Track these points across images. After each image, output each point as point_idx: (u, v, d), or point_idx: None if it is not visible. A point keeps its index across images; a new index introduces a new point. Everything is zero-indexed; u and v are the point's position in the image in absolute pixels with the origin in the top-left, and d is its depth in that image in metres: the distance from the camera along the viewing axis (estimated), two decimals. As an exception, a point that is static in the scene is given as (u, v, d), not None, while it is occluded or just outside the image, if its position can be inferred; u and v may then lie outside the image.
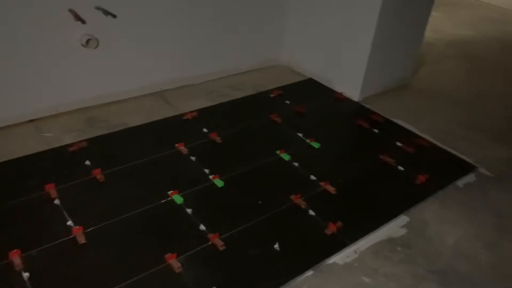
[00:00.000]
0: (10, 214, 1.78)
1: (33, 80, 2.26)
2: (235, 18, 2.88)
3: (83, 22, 2.15)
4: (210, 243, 1.73)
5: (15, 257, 1.58)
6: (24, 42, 2.15)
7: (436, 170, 2.27)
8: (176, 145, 2.27)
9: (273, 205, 1.95)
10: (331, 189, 2.06)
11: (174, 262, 1.63)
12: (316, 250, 1.76)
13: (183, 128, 2.44)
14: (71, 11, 2.14)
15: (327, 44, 2.96)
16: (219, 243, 1.72)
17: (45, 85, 2.32)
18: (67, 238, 1.69)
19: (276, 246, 1.75)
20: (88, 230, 1.73)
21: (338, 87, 2.98)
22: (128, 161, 2.13)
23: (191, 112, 2.55)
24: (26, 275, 1.54)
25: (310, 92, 2.99)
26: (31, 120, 2.36)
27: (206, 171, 2.11)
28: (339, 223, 1.86)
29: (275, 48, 3.22)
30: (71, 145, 2.19)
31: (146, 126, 2.42)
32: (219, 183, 2.04)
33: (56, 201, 1.85)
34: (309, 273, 1.67)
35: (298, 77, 3.15)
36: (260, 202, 1.97)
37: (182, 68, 2.81)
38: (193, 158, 2.20)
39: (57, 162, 2.09)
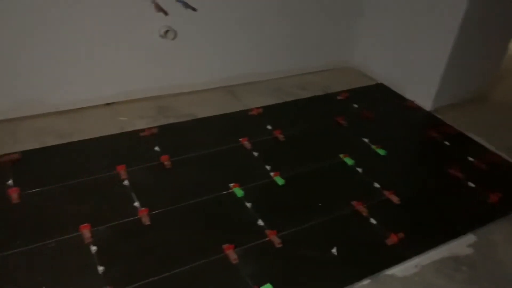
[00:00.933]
0: (83, 189, 1.89)
1: (112, 66, 2.39)
2: (309, 18, 2.86)
3: (166, 13, 2.23)
4: (267, 239, 1.74)
5: (85, 231, 1.68)
6: (108, 30, 2.27)
7: (509, 190, 2.12)
8: (240, 139, 2.30)
9: (333, 209, 1.92)
10: (395, 198, 2.00)
11: (231, 253, 1.66)
12: (375, 259, 1.71)
13: (248, 123, 2.47)
14: (153, 2, 2.23)
15: (400, 49, 2.86)
16: (276, 240, 1.73)
17: (123, 71, 2.44)
18: (133, 218, 1.78)
19: (334, 250, 1.73)
20: (153, 212, 1.81)
21: (410, 95, 2.88)
22: (194, 151, 2.19)
23: (257, 108, 2.57)
24: (94, 248, 1.63)
25: (380, 98, 2.91)
26: (108, 104, 2.49)
27: (268, 167, 2.13)
28: (401, 235, 1.80)
29: (347, 50, 3.17)
30: (143, 130, 2.29)
31: (213, 119, 2.48)
32: (279, 180, 2.04)
33: (125, 182, 1.95)
34: (366, 281, 1.63)
35: (368, 81, 3.08)
36: (320, 204, 1.95)
37: (252, 65, 2.84)
38: (255, 153, 2.22)
39: (128, 145, 2.20)
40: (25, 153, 2.04)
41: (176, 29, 2.39)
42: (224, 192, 1.96)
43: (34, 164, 1.99)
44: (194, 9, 2.30)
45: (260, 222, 1.82)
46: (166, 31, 2.34)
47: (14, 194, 1.79)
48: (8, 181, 1.86)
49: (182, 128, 2.37)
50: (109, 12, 2.22)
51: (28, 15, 2.06)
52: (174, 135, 2.30)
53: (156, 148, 2.17)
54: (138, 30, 2.35)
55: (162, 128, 2.33)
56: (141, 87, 2.55)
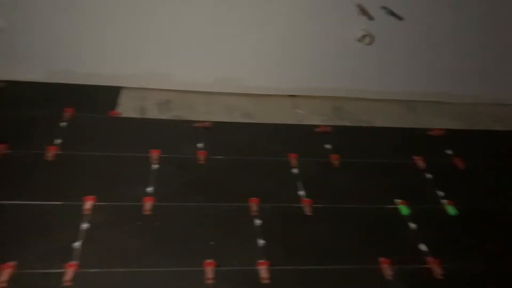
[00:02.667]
0: (256, 166, 2.03)
1: (299, 60, 2.49)
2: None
3: (370, 18, 2.25)
4: (427, 266, 1.64)
5: (253, 204, 1.82)
6: (305, 27, 2.39)
7: None
8: (414, 157, 2.19)
9: None
10: None
11: (386, 268, 1.61)
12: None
13: (425, 142, 2.34)
14: (358, 5, 2.26)
15: None
16: (438, 270, 1.61)
17: (309, 67, 2.53)
18: (296, 205, 1.85)
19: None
20: (315, 205, 1.85)
21: None
22: (364, 157, 2.17)
23: (439, 129, 2.41)
24: (258, 222, 1.75)
25: None
26: (291, 96, 2.63)
27: (440, 193, 1.99)
28: None
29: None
30: (317, 126, 2.35)
31: (389, 130, 2.41)
32: (452, 210, 1.90)
33: (294, 170, 2.03)
34: None
35: None
36: (493, 247, 1.75)
37: (439, 84, 2.67)
38: (428, 175, 2.10)
39: (302, 137, 2.28)
40: (215, 123, 2.28)
41: (373, 34, 2.38)
42: (388, 206, 1.91)
43: (221, 134, 2.21)
44: (400, 18, 2.25)
45: (423, 247, 1.71)
46: (364, 36, 2.35)
47: (201, 156, 2.03)
48: (199, 143, 2.11)
49: (356, 132, 2.37)
50: (311, 8, 2.33)
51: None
52: (347, 137, 2.31)
53: (328, 146, 2.21)
54: (334, 31, 2.41)
55: (337, 128, 2.36)
56: (322, 85, 2.62)
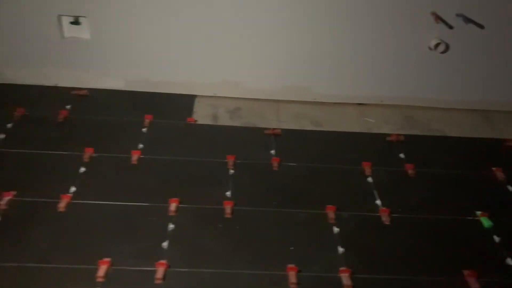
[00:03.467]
0: (330, 174, 2.04)
1: (366, 69, 2.48)
2: None
3: (450, 27, 2.21)
4: (515, 281, 1.58)
5: (330, 212, 1.82)
6: (377, 35, 2.38)
7: None
8: (493, 168, 2.12)
9: None
10: None
11: (472, 281, 1.56)
12: None
13: (504, 154, 2.26)
14: (434, 13, 2.23)
15: None
16: (528, 286, 1.55)
17: (376, 76, 2.51)
18: (373, 214, 1.84)
19: None
20: (393, 215, 1.83)
21: None
22: (439, 167, 2.13)
23: (517, 140, 2.33)
24: (336, 229, 1.75)
25: None
26: (359, 104, 2.62)
27: (524, 206, 1.91)
28: None
29: None
30: (389, 135, 2.33)
31: (463, 140, 2.35)
32: (538, 224, 1.81)
33: (369, 179, 2.02)
34: None
35: None
36: None
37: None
38: (510, 187, 2.02)
39: (374, 146, 2.27)
40: (284, 130, 2.31)
41: (447, 42, 2.33)
42: (468, 218, 1.86)
43: (292, 141, 2.24)
44: (480, 26, 2.20)
45: (510, 261, 1.65)
46: (437, 44, 2.31)
47: (275, 163, 2.06)
48: (271, 150, 2.15)
49: (429, 142, 2.32)
50: (382, 17, 2.32)
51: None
52: (420, 146, 2.28)
53: (401, 155, 2.19)
54: (406, 39, 2.38)
55: (409, 137, 2.33)
56: (392, 94, 2.59)
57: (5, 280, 1.47)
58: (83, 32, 2.35)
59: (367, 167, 2.08)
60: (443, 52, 2.35)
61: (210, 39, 2.37)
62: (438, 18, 2.22)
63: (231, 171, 1.99)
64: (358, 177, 2.04)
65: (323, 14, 2.30)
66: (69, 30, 2.35)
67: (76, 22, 2.32)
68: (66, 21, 2.32)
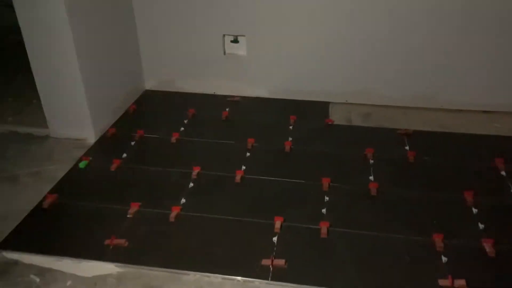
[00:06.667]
0: (464, 174, 2.22)
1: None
2: None
3: None
4: None
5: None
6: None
7: None
8: None
9: None
10: None
11: None
12: None
13: None
14: None
15: None
16: None
17: (506, 81, 2.66)
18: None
19: None
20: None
21: None
22: None
23: None
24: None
25: None
26: (485, 111, 2.75)
27: None
28: None
29: None
30: (517, 139, 2.44)
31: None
32: None
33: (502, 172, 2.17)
34: None
35: None
36: None
37: None
38: None
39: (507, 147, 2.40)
40: (416, 131, 2.54)
41: None
42: None
43: (423, 141, 2.46)
44: None
45: None
46: None
47: (411, 156, 2.30)
48: (405, 146, 2.40)
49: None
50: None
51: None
52: None
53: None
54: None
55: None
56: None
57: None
58: (240, 49, 2.86)
59: (500, 164, 2.22)
60: None
61: (349, 56, 2.75)
62: None
63: (371, 162, 2.28)
64: (495, 176, 2.17)
65: (454, 26, 2.55)
66: (228, 48, 2.88)
67: (235, 40, 2.83)
68: (227, 39, 2.85)
